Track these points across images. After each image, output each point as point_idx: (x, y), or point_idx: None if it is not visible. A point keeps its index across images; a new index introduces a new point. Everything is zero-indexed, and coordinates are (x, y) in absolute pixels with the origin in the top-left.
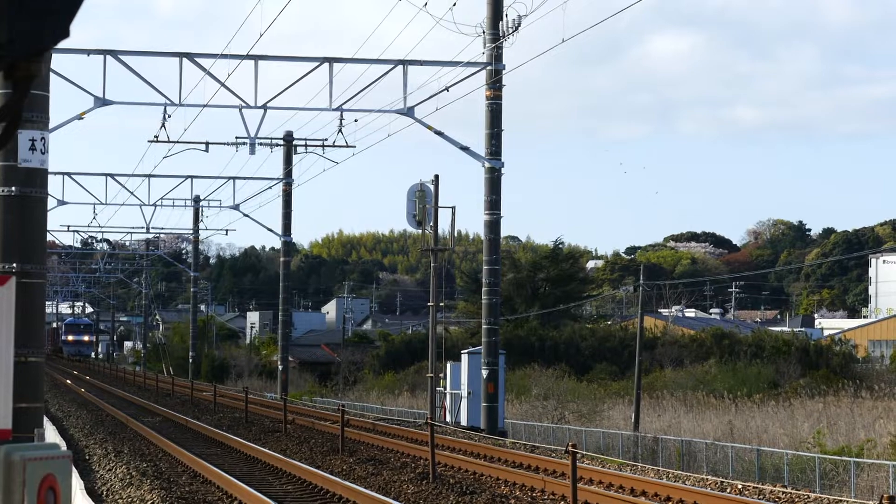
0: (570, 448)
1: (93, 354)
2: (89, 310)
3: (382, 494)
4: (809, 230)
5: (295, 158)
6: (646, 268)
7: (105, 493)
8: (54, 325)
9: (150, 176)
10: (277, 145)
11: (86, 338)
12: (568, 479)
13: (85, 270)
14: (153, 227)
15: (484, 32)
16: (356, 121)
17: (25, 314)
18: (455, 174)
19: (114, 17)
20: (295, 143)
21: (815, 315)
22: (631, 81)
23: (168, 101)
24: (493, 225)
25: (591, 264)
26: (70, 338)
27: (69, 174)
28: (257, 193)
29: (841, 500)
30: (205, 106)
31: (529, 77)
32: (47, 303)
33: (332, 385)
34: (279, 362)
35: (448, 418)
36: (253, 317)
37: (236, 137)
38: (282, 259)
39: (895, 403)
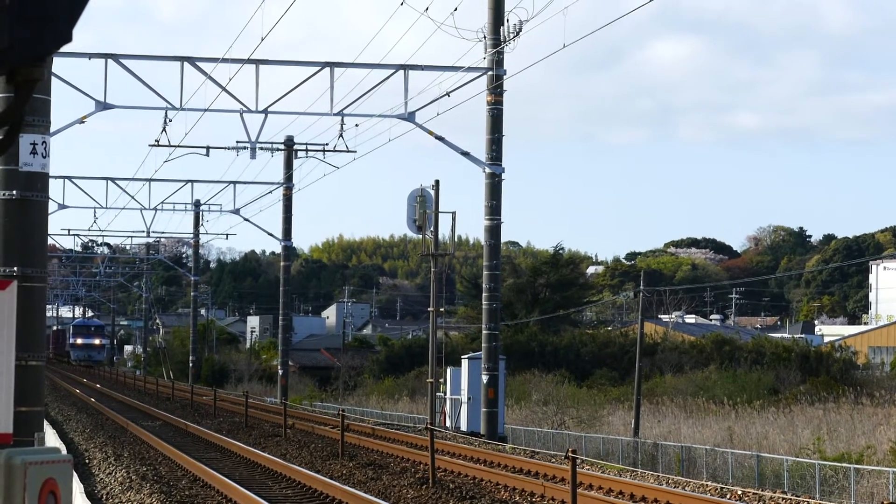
0: (569, 453)
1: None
2: (90, 314)
3: (382, 499)
4: (810, 236)
5: (295, 163)
6: (646, 273)
7: (105, 496)
8: (55, 328)
9: (150, 180)
10: (278, 150)
11: (96, 341)
12: (568, 485)
13: (85, 274)
14: (154, 231)
15: (485, 37)
16: (357, 125)
17: (26, 318)
18: (455, 179)
19: (115, 21)
20: (296, 147)
21: (816, 321)
22: (631, 87)
23: (169, 106)
24: (494, 230)
25: (591, 270)
26: (79, 341)
27: (70, 178)
28: (258, 198)
29: None
30: (206, 110)
31: (530, 82)
32: (47, 306)
33: (332, 390)
34: (279, 367)
35: (448, 423)
36: (253, 321)
37: (237, 142)
38: (282, 263)
39: (895, 410)
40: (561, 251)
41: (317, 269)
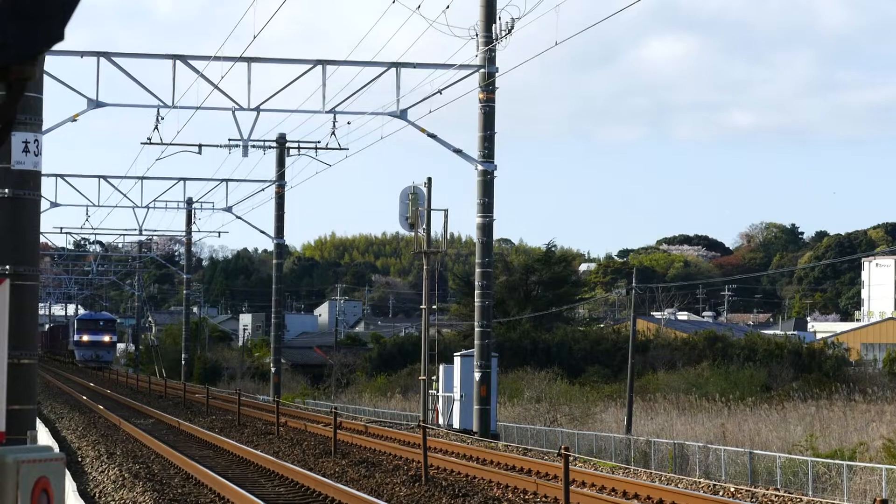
0: (562, 451)
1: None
2: (82, 311)
3: (375, 497)
4: (802, 233)
5: (288, 161)
6: (638, 271)
7: (98, 494)
8: (47, 326)
9: (142, 178)
10: (270, 147)
11: (106, 338)
12: (560, 482)
13: (78, 272)
14: (146, 229)
15: (477, 35)
16: (349, 123)
17: (18, 316)
18: (448, 177)
19: (112, 19)
20: (288, 145)
21: (808, 318)
22: (627, 85)
23: (161, 104)
24: (486, 228)
25: (583, 267)
26: (84, 338)
27: (62, 176)
28: (250, 196)
29: (833, 503)
30: (198, 108)
31: (525, 80)
32: (40, 305)
33: (325, 387)
34: (272, 364)
35: (440, 421)
36: (245, 319)
37: (229, 139)
38: (274, 261)
39: (888, 407)
40: (553, 248)
41: (309, 267)
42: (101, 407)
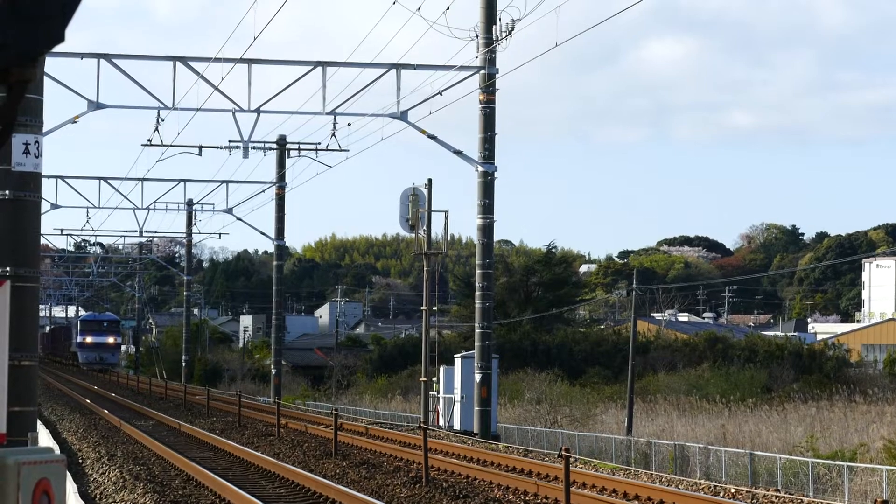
0: (563, 452)
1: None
2: (84, 313)
3: (375, 498)
4: (803, 234)
5: (288, 162)
6: (639, 272)
7: (98, 496)
8: (48, 328)
9: (143, 179)
10: (271, 149)
11: (110, 339)
12: (561, 483)
13: (78, 274)
14: (146, 231)
15: (477, 36)
16: (349, 124)
17: (19, 318)
18: (448, 178)
19: (112, 21)
20: (288, 146)
21: (809, 319)
22: (627, 86)
23: (162, 105)
24: (487, 229)
25: (584, 268)
26: (88, 339)
27: (63, 178)
28: (250, 197)
29: None
30: (198, 110)
31: (525, 82)
32: (40, 306)
33: (325, 389)
34: (272, 366)
35: (441, 422)
36: (246, 320)
37: (230, 141)
38: (275, 263)
39: (889, 408)
40: (554, 250)
41: (309, 269)
42: (105, 411)
